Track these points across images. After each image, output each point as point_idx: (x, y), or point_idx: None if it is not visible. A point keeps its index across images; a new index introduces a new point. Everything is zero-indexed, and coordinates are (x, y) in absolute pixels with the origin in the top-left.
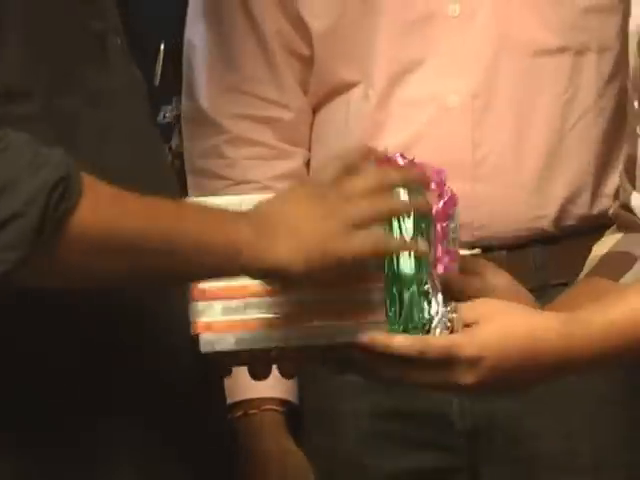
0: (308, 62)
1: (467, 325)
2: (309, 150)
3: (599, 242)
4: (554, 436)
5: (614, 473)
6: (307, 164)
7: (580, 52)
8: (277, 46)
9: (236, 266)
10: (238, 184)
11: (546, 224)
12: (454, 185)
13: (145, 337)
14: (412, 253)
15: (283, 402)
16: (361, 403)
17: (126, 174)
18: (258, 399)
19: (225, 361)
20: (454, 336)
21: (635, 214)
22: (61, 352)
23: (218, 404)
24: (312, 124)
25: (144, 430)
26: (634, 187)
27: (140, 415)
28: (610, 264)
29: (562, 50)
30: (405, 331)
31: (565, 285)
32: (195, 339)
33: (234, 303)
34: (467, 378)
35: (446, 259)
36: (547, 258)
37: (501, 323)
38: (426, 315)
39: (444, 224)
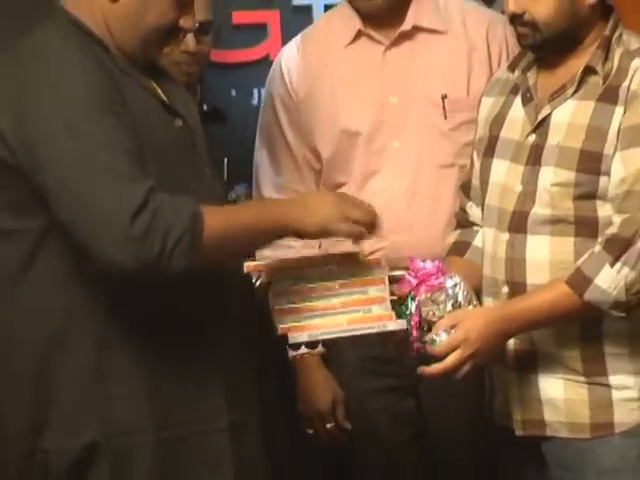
0: (319, 172)
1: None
2: None
3: (448, 236)
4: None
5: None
6: None
7: (462, 166)
8: (304, 164)
9: (290, 231)
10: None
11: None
12: (398, 236)
13: (231, 302)
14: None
15: (321, 352)
16: (354, 352)
17: None
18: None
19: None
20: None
21: (468, 215)
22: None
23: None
24: None
25: (228, 353)
26: (468, 198)
27: (225, 349)
28: (456, 248)
29: (453, 165)
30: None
31: None
32: (284, 337)
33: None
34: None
35: (416, 344)
36: None
37: (474, 317)
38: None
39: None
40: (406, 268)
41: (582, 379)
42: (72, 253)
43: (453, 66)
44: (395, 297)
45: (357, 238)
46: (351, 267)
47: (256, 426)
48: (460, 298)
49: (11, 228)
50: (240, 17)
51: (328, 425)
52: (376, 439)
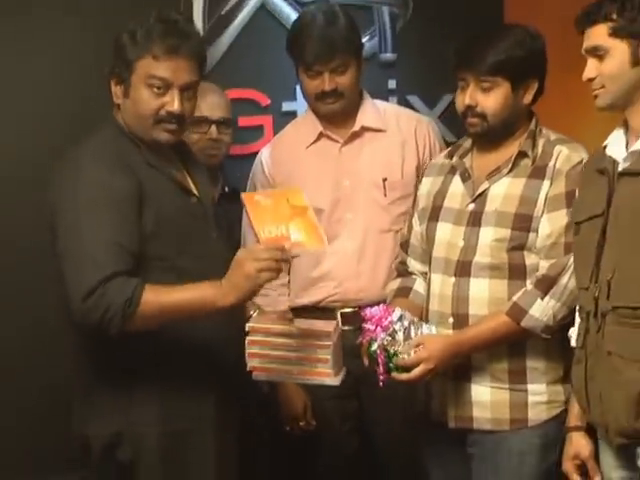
0: None
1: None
2: (289, 273)
3: (391, 284)
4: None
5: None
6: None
7: (397, 231)
8: None
9: (214, 308)
10: (263, 290)
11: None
12: (349, 283)
13: (227, 335)
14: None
15: None
16: None
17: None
18: None
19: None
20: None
21: (407, 266)
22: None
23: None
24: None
25: (219, 387)
26: (407, 253)
27: (213, 380)
28: (401, 292)
29: (390, 230)
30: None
31: None
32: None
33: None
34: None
35: (382, 377)
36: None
37: (435, 341)
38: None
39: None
40: (362, 319)
41: (506, 386)
42: None
43: (391, 156)
44: (362, 344)
45: (279, 270)
46: (310, 333)
47: (235, 426)
48: (406, 324)
49: None
50: (243, 121)
51: (301, 423)
52: (330, 430)
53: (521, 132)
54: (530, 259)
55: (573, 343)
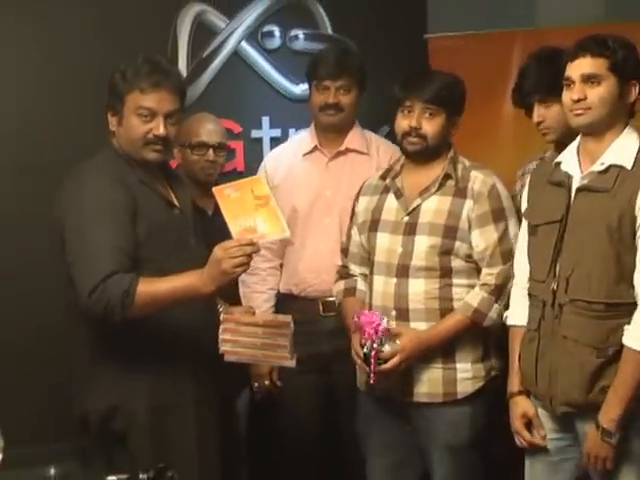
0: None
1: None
2: (282, 259)
3: (337, 285)
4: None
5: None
6: (281, 265)
7: None
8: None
9: (198, 294)
10: (255, 269)
11: None
12: (326, 276)
13: (196, 332)
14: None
15: None
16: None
17: None
18: None
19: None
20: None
21: (349, 269)
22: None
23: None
24: (284, 252)
25: (198, 370)
26: (347, 258)
27: (196, 363)
28: (348, 292)
29: None
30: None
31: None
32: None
33: (238, 343)
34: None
35: (372, 377)
36: None
37: (409, 335)
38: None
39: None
40: (356, 324)
41: (440, 366)
42: None
43: (367, 175)
44: (362, 343)
45: (249, 262)
46: (272, 324)
47: (214, 402)
48: (386, 325)
49: None
50: None
51: (266, 382)
52: (301, 404)
53: (443, 158)
54: (455, 262)
55: (509, 322)
